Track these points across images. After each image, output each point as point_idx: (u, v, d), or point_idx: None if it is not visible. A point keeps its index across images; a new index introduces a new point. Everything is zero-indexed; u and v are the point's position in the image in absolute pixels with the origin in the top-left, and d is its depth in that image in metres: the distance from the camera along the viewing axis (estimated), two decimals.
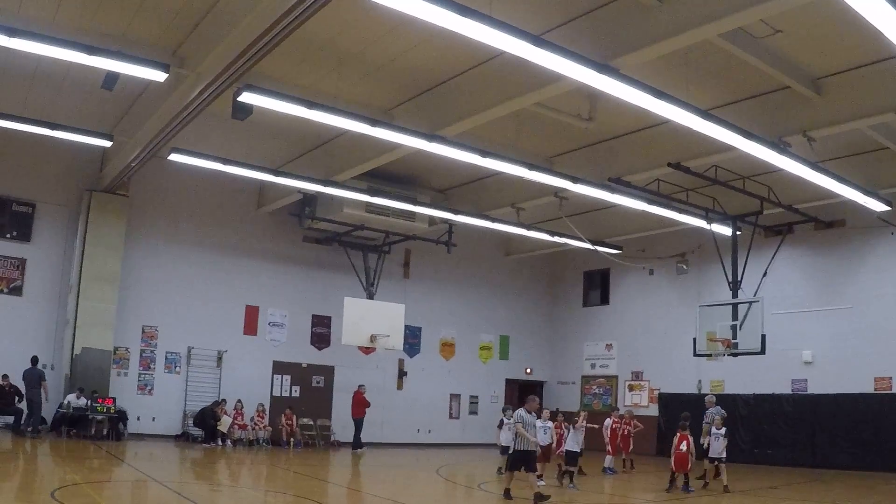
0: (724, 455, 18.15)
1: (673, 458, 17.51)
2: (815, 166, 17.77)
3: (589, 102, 18.10)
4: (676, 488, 17.47)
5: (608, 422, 22.23)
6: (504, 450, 18.07)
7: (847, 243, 25.41)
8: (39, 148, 22.46)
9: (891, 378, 23.93)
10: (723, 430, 18.41)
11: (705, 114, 14.89)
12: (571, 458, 18.08)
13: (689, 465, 17.40)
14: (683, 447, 17.29)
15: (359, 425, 26.44)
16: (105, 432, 22.64)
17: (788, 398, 25.87)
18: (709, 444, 18.42)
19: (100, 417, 22.57)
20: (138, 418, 24.43)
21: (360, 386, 27.17)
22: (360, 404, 26.60)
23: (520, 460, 15.01)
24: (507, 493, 14.99)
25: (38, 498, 11.86)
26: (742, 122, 16.06)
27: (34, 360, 21.94)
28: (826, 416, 24.86)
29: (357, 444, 25.95)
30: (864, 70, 15.96)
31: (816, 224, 24.18)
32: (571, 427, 18.63)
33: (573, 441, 18.32)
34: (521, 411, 15.50)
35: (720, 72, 16.27)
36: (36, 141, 20.93)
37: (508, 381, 34.13)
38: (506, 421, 18.68)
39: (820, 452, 24.71)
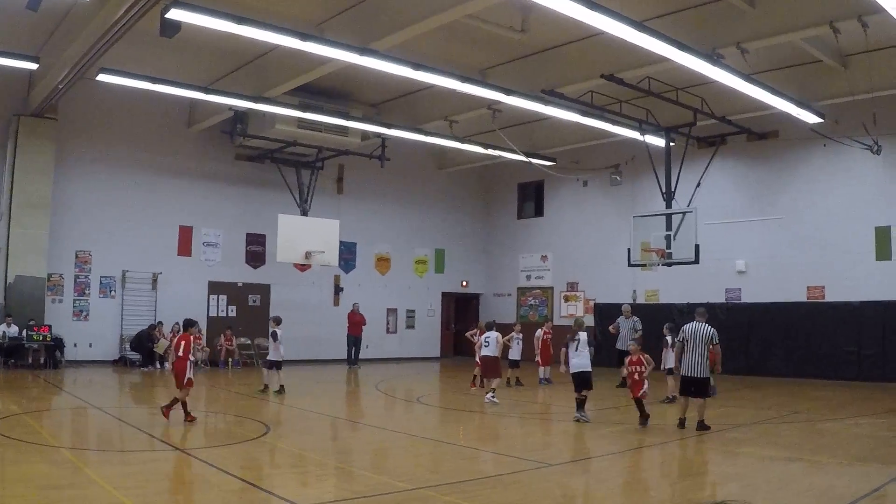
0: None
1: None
2: (748, 78, 17.86)
3: (521, 13, 17.94)
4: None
5: (539, 333, 22.59)
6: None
7: (780, 155, 25.65)
8: None
9: (823, 287, 24.54)
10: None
11: (639, 25, 14.76)
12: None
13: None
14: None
15: (357, 343, 28.10)
16: (42, 361, 22.62)
17: (722, 307, 25.91)
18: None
19: (36, 346, 22.51)
20: (75, 345, 24.25)
21: (353, 304, 28.47)
22: (356, 323, 27.90)
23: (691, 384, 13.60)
24: (682, 423, 13.78)
25: None
26: (676, 34, 15.95)
27: None
28: (759, 324, 25.49)
29: (355, 360, 28.18)
30: None
31: (749, 135, 24.39)
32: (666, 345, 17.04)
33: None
34: (699, 326, 13.68)
35: None
36: None
37: (445, 295, 34.45)
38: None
39: (753, 360, 25.28)
